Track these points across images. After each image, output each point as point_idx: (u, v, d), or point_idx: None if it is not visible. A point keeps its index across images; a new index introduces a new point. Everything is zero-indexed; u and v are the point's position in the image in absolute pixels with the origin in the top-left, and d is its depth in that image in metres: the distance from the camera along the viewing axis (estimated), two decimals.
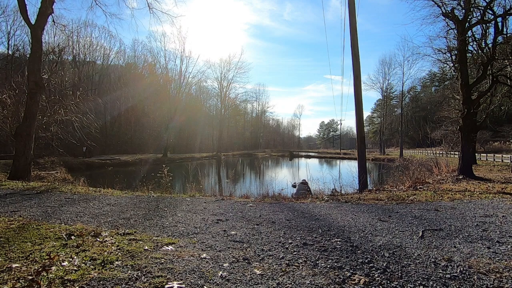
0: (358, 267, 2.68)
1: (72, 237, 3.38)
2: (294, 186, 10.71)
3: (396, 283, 2.36)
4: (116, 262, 2.65)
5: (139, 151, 41.29)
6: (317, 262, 2.80)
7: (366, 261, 2.82)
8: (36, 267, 2.40)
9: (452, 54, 14.95)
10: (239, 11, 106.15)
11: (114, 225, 4.10)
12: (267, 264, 2.75)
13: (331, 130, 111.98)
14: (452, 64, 16.10)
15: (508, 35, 13.63)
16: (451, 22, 12.93)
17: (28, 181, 9.47)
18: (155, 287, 2.21)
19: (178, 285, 2.23)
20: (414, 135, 58.26)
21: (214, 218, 4.66)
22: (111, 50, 48.51)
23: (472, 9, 12.23)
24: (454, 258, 2.91)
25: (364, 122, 11.52)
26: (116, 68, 49.29)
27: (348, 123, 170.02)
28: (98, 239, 3.32)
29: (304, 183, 11.02)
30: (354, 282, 2.37)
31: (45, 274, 2.29)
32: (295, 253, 3.06)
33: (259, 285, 2.31)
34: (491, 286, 2.33)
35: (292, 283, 2.33)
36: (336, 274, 2.52)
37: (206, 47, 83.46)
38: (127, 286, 2.22)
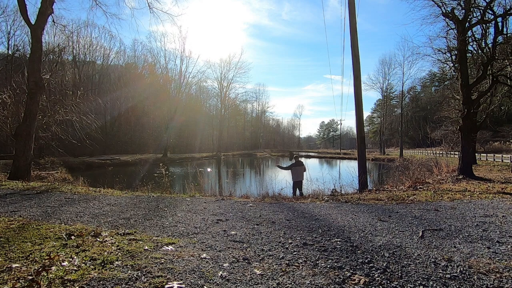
0: (358, 267, 2.68)
1: (72, 237, 3.38)
2: (287, 168, 10.11)
3: (396, 283, 2.35)
4: (116, 262, 2.65)
5: (139, 151, 41.32)
6: (317, 262, 2.80)
7: (366, 261, 2.82)
8: (36, 267, 2.40)
9: (452, 54, 14.97)
10: (237, 10, 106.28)
11: (114, 225, 4.10)
12: (267, 264, 2.75)
13: (331, 130, 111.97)
14: (452, 64, 16.10)
15: (508, 35, 13.65)
16: (451, 22, 12.95)
17: (28, 181, 9.47)
18: (155, 287, 2.21)
19: (178, 285, 2.23)
20: (414, 135, 58.28)
21: (214, 218, 4.66)
22: (111, 50, 48.57)
23: (472, 9, 12.24)
24: (454, 258, 2.91)
25: (364, 122, 11.50)
26: (116, 68, 49.27)
27: (348, 123, 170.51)
28: (98, 239, 3.32)
29: (300, 164, 9.96)
30: (354, 282, 2.37)
31: (45, 274, 2.29)
32: (295, 253, 3.06)
33: (259, 285, 2.31)
34: (491, 286, 2.33)
35: (292, 283, 2.33)
36: (336, 274, 2.52)
37: (206, 47, 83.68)
38: (127, 286, 2.22)
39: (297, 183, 9.72)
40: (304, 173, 10.04)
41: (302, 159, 10.76)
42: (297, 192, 9.58)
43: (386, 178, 14.88)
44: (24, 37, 34.39)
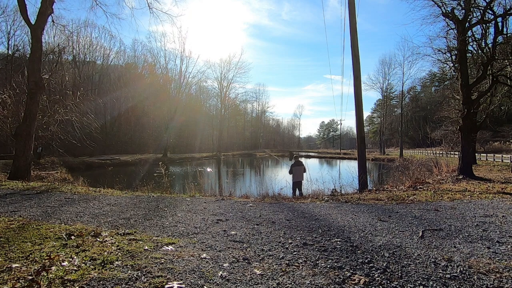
0: (358, 267, 2.68)
1: (72, 237, 3.38)
2: (290, 172, 10.23)
3: (396, 283, 2.35)
4: (116, 262, 2.65)
5: (139, 151, 41.31)
6: (317, 262, 2.80)
7: (366, 261, 2.82)
8: (36, 267, 2.40)
9: (452, 54, 14.96)
10: (237, 10, 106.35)
11: (114, 225, 4.10)
12: (267, 264, 2.75)
13: (331, 130, 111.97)
14: (452, 64, 16.10)
15: (508, 35, 13.64)
16: (451, 22, 12.95)
17: (28, 181, 9.48)
18: (155, 287, 2.21)
19: (178, 285, 2.23)
20: (414, 135, 58.28)
21: (214, 218, 4.66)
22: (111, 50, 48.60)
23: (472, 9, 12.23)
24: (454, 258, 2.91)
25: (364, 122, 11.50)
26: (116, 68, 49.24)
27: (348, 123, 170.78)
28: (98, 239, 3.32)
29: (300, 164, 10.05)
30: (354, 282, 2.37)
31: (45, 274, 2.29)
32: (295, 253, 3.06)
33: (259, 285, 2.31)
34: (491, 286, 2.33)
35: (292, 283, 2.33)
36: (336, 274, 2.52)
37: (206, 47, 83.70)
38: (127, 286, 2.22)
39: (297, 183, 9.72)
40: (305, 174, 10.04)
41: (302, 159, 10.76)
42: (297, 192, 9.58)
43: (386, 178, 14.88)
44: (24, 37, 34.42)
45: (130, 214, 4.84)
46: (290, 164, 10.24)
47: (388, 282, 2.37)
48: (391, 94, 65.31)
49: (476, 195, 7.35)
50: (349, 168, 18.92)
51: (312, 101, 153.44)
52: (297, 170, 9.79)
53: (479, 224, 4.34)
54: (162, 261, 2.72)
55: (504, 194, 7.43)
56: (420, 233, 3.79)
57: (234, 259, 2.85)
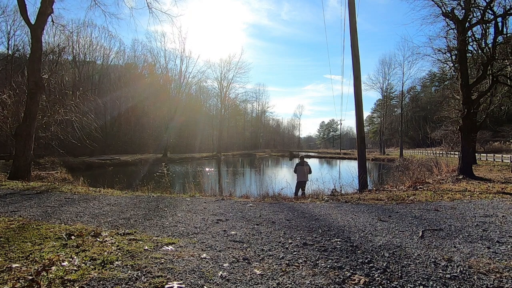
0: (358, 267, 2.68)
1: (72, 237, 3.38)
2: (295, 171, 10.28)
3: (396, 283, 2.35)
4: (116, 262, 2.65)
5: (139, 151, 41.30)
6: (317, 262, 2.80)
7: (366, 261, 2.82)
8: (36, 267, 2.40)
9: (452, 54, 14.95)
10: (237, 10, 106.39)
11: (114, 225, 4.10)
12: (267, 264, 2.75)
13: (331, 130, 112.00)
14: (452, 64, 16.08)
15: (508, 35, 13.63)
16: (451, 22, 12.94)
17: (28, 181, 9.47)
18: (155, 287, 2.21)
19: (178, 285, 2.23)
20: (414, 135, 58.29)
21: (214, 218, 4.66)
22: (111, 50, 48.49)
23: (472, 9, 12.23)
24: (454, 258, 2.91)
25: (364, 122, 11.50)
26: (116, 68, 49.19)
27: (348, 123, 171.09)
28: (98, 239, 3.32)
29: (303, 163, 10.06)
30: (354, 282, 2.37)
31: (45, 274, 2.29)
32: (295, 253, 3.06)
33: (259, 285, 2.31)
34: (491, 286, 2.33)
35: (292, 283, 2.33)
36: (336, 274, 2.52)
37: (206, 47, 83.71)
38: (127, 286, 2.22)
39: (300, 183, 9.76)
40: (309, 175, 10.04)
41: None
42: (299, 192, 9.60)
43: (386, 178, 14.88)
44: (24, 37, 34.36)
45: (130, 214, 4.84)
46: (288, 164, 10.34)
47: (388, 282, 2.37)
48: (391, 94, 65.35)
49: (476, 195, 7.35)
50: (349, 168, 18.94)
51: (312, 101, 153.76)
52: (301, 170, 9.82)
53: (479, 224, 4.34)
54: (162, 261, 2.72)
55: (504, 194, 7.43)
56: (420, 233, 3.79)
57: (234, 259, 2.85)
